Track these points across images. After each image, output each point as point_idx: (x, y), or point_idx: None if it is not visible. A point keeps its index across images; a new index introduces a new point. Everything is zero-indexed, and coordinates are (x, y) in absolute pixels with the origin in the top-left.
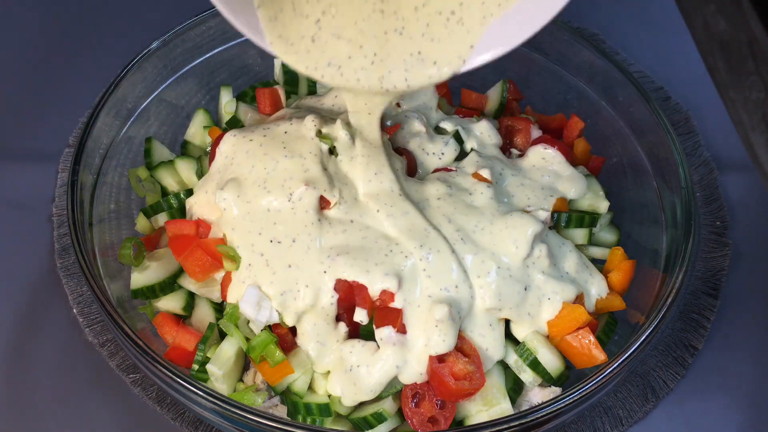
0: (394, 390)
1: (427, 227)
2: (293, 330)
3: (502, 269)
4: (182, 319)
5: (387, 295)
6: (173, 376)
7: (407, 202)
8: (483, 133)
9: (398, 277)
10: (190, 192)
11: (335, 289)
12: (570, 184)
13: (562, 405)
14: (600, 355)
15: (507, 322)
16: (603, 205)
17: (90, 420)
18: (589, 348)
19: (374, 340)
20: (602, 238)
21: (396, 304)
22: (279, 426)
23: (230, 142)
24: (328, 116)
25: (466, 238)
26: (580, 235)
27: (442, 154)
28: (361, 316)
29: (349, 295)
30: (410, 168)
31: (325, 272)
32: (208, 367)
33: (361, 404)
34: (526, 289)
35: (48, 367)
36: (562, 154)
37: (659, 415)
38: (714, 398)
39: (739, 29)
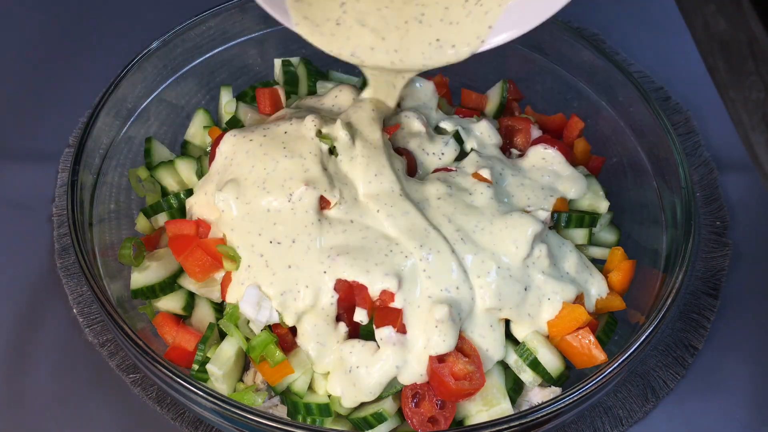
0: (394, 390)
1: (427, 227)
2: (293, 330)
3: (502, 269)
4: (182, 319)
5: (387, 295)
6: (173, 376)
7: (407, 202)
8: (483, 133)
9: (398, 277)
10: (190, 192)
11: (335, 289)
12: (570, 184)
13: (562, 405)
14: (600, 355)
15: (507, 322)
16: (603, 205)
17: (90, 420)
18: (589, 348)
19: (374, 340)
20: (602, 238)
21: (396, 304)
22: (279, 426)
23: (230, 142)
24: (328, 116)
25: (466, 238)
26: (580, 235)
27: (442, 154)
28: (361, 316)
29: (349, 295)
30: (410, 168)
31: (325, 272)
32: (208, 367)
33: (361, 404)
34: (526, 289)
35: (48, 367)
36: (562, 154)
37: (659, 415)
38: (714, 398)
39: (739, 29)
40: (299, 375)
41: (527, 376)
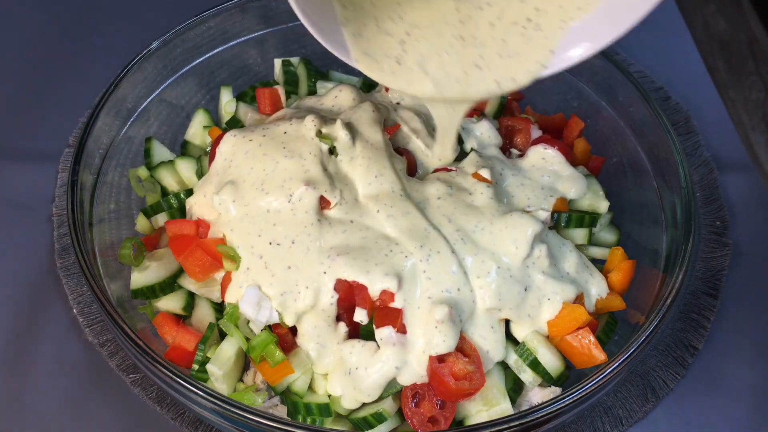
0: (394, 390)
1: (427, 227)
2: (293, 330)
3: (502, 269)
4: (182, 319)
5: (387, 295)
6: (173, 376)
7: (408, 202)
8: (483, 133)
9: (398, 277)
10: (190, 192)
11: (335, 289)
12: (570, 184)
13: (562, 405)
14: (600, 355)
15: (507, 322)
16: (603, 205)
17: (90, 420)
18: (589, 348)
19: (374, 340)
20: (602, 238)
21: (396, 304)
22: (279, 426)
23: (230, 142)
24: (328, 116)
25: (466, 238)
26: (580, 235)
27: None
28: (361, 316)
29: (349, 295)
30: (410, 168)
31: (324, 273)
32: (208, 367)
33: (362, 404)
34: (526, 289)
35: (48, 367)
36: (562, 154)
37: (659, 415)
38: (714, 398)
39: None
40: (299, 375)
41: (527, 376)
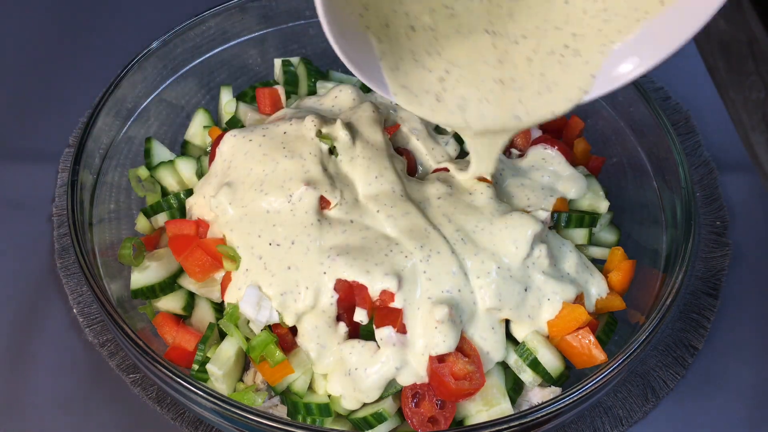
0: (395, 390)
1: (427, 227)
2: (293, 330)
3: (502, 269)
4: (182, 319)
5: (387, 295)
6: (173, 376)
7: (408, 202)
8: None
9: (398, 277)
10: (190, 192)
11: (335, 289)
12: (570, 184)
13: (562, 405)
14: (600, 355)
15: (507, 322)
16: (603, 205)
17: (90, 420)
18: (589, 348)
19: (374, 340)
20: (602, 238)
21: (396, 304)
22: (279, 426)
23: (230, 142)
24: (328, 116)
25: (466, 238)
26: (580, 235)
27: (442, 154)
28: (361, 316)
29: (349, 295)
30: (410, 168)
31: (324, 273)
32: (208, 367)
33: (362, 404)
34: (526, 289)
35: (48, 367)
36: (562, 154)
37: (659, 415)
38: (714, 398)
39: (739, 29)
40: (299, 375)
41: (527, 376)
